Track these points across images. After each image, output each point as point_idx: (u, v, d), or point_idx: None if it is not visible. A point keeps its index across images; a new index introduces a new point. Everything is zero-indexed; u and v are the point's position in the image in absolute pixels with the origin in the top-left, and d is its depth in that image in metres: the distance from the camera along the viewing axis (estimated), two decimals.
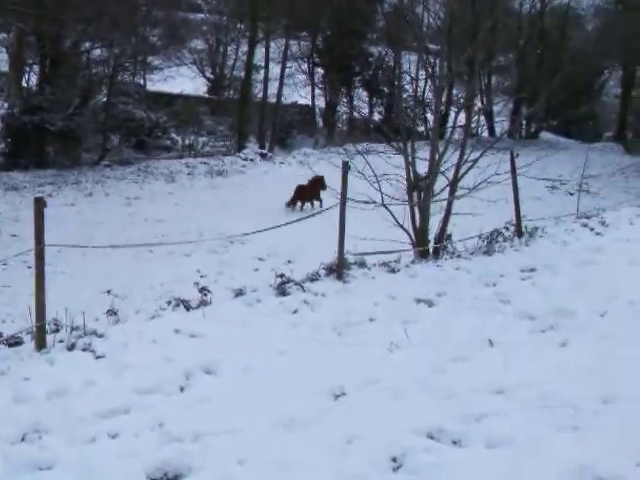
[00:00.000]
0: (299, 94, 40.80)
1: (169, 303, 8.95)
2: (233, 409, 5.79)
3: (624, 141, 42.49)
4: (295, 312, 8.61)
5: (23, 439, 5.47)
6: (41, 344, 7.34)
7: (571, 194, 25.48)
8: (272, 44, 37.35)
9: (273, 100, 36.64)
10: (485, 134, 37.39)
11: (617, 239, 11.94)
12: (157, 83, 38.04)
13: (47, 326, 7.61)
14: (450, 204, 12.71)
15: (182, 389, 6.33)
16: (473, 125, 29.64)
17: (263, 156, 33.21)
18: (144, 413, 5.77)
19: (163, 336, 7.58)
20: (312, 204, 23.24)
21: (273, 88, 36.57)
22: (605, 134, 48.42)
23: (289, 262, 15.44)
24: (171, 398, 6.10)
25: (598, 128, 48.58)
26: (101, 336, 7.59)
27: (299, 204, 23.46)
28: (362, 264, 10.72)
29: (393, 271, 10.59)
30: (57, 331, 7.81)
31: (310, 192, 23.17)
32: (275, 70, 37.03)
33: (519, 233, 12.88)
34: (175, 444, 5.24)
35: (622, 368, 6.24)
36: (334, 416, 5.69)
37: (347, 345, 7.47)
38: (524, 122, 42.12)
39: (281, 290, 9.33)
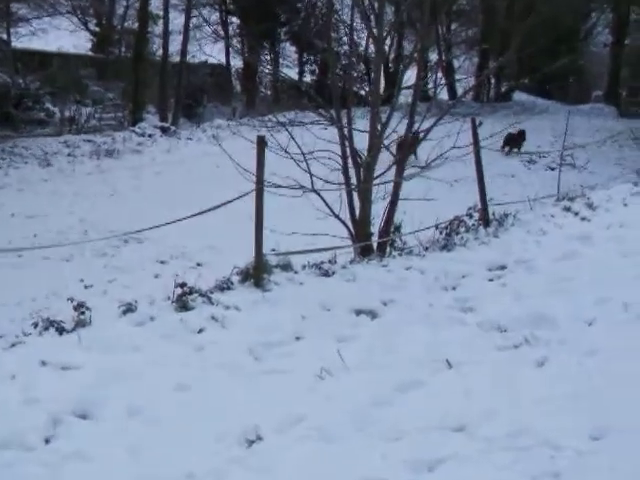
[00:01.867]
0: (209, 51, 40.55)
1: (35, 325, 8.67)
2: (114, 466, 5.58)
3: (617, 101, 43.11)
4: (200, 332, 8.41)
5: None
6: None
7: (551, 169, 25.73)
8: None
9: (176, 59, 36.41)
10: (444, 96, 37.56)
11: (608, 225, 12.03)
12: (25, 38, 37.49)
13: None
14: (398, 187, 12.64)
15: (47, 441, 6.06)
16: (429, 85, 29.86)
17: (165, 131, 33.04)
18: None
19: (25, 370, 7.30)
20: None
21: (176, 44, 36.36)
22: (593, 93, 49.19)
23: (198, 265, 15.32)
24: (32, 454, 5.83)
25: (584, 86, 49.30)
26: None
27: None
28: (287, 266, 10.58)
29: (327, 274, 10.49)
30: None
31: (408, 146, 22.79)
32: (178, 21, 36.83)
33: (485, 221, 12.87)
34: None
35: (616, 391, 6.20)
36: (246, 470, 5.53)
37: (266, 373, 7.32)
38: (492, 80, 42.48)
39: (182, 303, 9.10)
